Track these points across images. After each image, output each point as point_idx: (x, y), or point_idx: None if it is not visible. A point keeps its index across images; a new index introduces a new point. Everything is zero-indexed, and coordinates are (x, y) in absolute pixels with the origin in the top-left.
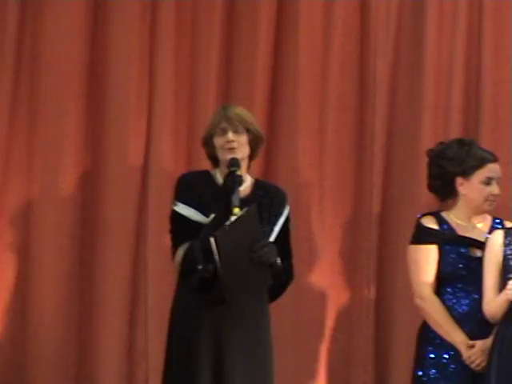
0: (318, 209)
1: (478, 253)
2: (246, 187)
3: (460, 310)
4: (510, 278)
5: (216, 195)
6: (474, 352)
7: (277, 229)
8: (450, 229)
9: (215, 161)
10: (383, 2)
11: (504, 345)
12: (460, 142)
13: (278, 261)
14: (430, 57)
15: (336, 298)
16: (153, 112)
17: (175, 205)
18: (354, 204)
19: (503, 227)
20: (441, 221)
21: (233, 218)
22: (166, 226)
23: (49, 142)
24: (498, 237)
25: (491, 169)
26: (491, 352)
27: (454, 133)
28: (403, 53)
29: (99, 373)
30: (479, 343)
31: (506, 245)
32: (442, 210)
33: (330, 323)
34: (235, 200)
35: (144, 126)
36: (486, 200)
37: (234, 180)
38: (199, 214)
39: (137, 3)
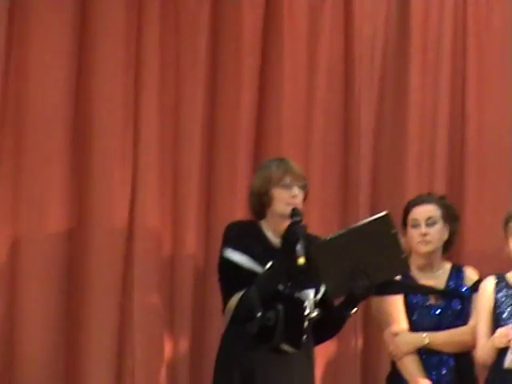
0: None
1: (439, 301)
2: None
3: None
4: (499, 326)
5: (265, 246)
6: None
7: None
8: (410, 278)
9: (260, 214)
10: (367, 50)
11: None
12: None
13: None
14: (414, 105)
15: (323, 348)
16: (138, 164)
17: (226, 252)
18: None
19: (461, 271)
20: None
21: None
22: (151, 279)
23: (33, 194)
24: (490, 283)
25: (416, 211)
26: None
27: (439, 181)
28: (387, 100)
29: None
30: None
31: (497, 291)
32: None
33: (317, 373)
34: (300, 250)
35: (129, 179)
36: (417, 242)
37: (300, 230)
38: (252, 262)
39: (121, 53)
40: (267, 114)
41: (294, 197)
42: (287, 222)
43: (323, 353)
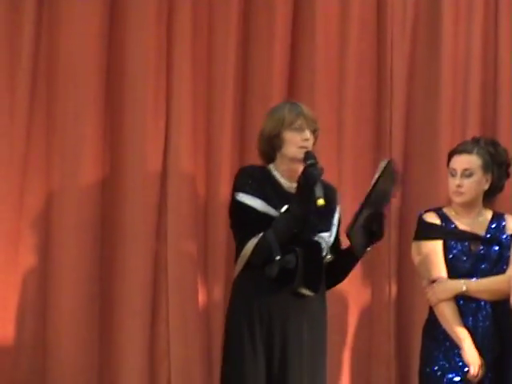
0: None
1: (480, 247)
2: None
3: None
4: None
5: (277, 190)
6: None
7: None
8: (451, 224)
9: (269, 157)
10: None
11: None
12: None
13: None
14: (446, 51)
15: (357, 295)
16: (170, 113)
17: (239, 196)
18: None
19: (502, 219)
20: (442, 216)
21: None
22: (185, 226)
23: (67, 144)
24: None
25: (455, 161)
26: None
27: (472, 127)
28: (420, 48)
29: (121, 373)
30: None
31: None
32: (443, 206)
33: (351, 320)
34: (318, 191)
35: (162, 127)
36: (452, 192)
37: (317, 171)
38: (266, 205)
39: (153, 4)
40: (300, 64)
41: (305, 140)
42: (298, 166)
43: (357, 300)
